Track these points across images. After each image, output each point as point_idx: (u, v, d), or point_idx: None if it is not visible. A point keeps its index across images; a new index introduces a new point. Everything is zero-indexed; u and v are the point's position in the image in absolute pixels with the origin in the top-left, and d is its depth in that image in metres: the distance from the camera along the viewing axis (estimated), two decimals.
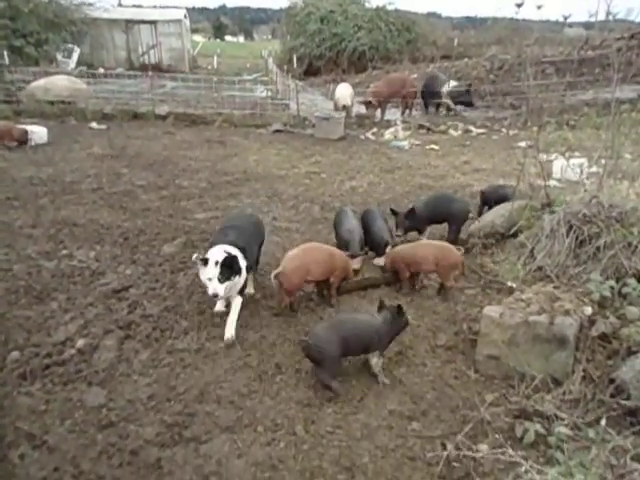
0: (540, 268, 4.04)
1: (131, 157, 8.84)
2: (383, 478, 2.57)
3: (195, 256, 3.60)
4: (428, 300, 4.26)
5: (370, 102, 12.77)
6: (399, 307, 3.35)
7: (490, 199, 5.79)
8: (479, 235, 5.02)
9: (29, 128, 9.28)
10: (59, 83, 12.27)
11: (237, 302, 3.80)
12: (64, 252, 5.02)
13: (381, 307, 3.45)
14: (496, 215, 5.16)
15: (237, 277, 3.62)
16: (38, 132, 9.40)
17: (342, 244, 4.64)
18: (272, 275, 3.86)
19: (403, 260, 4.30)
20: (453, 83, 13.41)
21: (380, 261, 4.49)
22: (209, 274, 3.49)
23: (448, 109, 13.57)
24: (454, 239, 5.03)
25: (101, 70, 15.98)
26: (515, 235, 4.73)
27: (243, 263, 3.70)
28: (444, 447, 2.75)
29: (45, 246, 5.12)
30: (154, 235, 5.53)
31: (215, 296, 3.52)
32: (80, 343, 3.55)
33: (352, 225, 4.75)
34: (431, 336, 3.77)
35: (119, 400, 3.07)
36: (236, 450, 2.73)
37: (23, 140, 8.94)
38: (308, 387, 3.23)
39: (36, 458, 2.63)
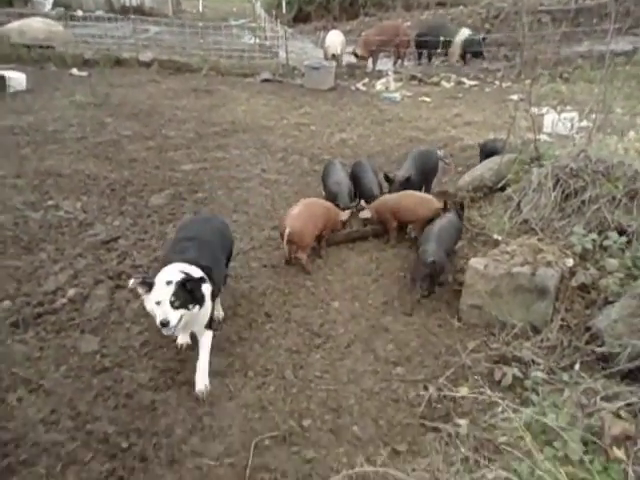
0: (526, 221, 4.10)
1: (115, 106, 8.57)
2: (368, 418, 2.71)
3: (132, 281, 2.61)
4: (415, 252, 4.32)
5: (358, 55, 12.36)
6: (461, 204, 4.33)
7: (489, 152, 5.72)
8: (467, 189, 5.04)
9: (6, 74, 8.89)
10: (35, 25, 11.62)
11: (206, 340, 2.86)
12: (50, 203, 4.96)
13: (446, 208, 4.22)
14: (485, 169, 5.16)
15: (198, 307, 2.66)
16: (16, 78, 9.00)
17: (331, 197, 4.65)
18: (284, 237, 3.81)
19: (389, 210, 4.35)
20: (467, 32, 12.86)
21: (366, 213, 4.51)
22: (158, 296, 2.53)
23: (463, 58, 13.11)
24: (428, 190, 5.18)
25: (79, 12, 15.13)
26: (503, 189, 4.77)
27: (208, 288, 2.74)
28: (426, 389, 2.89)
29: (30, 197, 5.05)
30: (141, 186, 5.46)
31: (165, 325, 2.49)
32: (71, 292, 3.59)
33: (340, 177, 4.74)
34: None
35: (112, 347, 3.14)
36: (227, 393, 2.84)
37: None
38: (297, 335, 3.33)
39: (33, 401, 2.72)
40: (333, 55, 11.94)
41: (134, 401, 2.75)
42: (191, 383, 2.87)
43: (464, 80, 11.98)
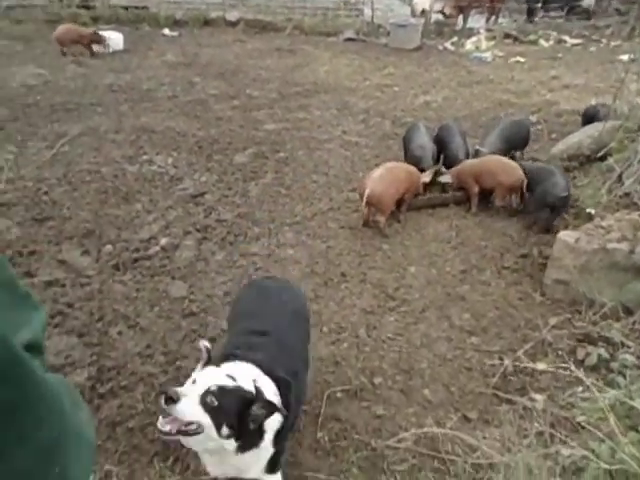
0: (627, 194, 3.77)
1: (203, 66, 8.83)
2: (439, 383, 2.72)
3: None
4: (499, 221, 4.16)
5: (447, 14, 11.63)
6: None
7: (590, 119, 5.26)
8: (562, 157, 4.70)
9: (107, 34, 9.42)
10: None
11: None
12: (145, 157, 5.29)
13: None
14: (584, 136, 4.77)
15: (258, 445, 1.60)
16: (115, 38, 9.53)
17: (413, 161, 4.53)
18: (364, 199, 3.80)
19: (471, 174, 4.19)
20: None
21: (446, 177, 4.36)
22: (192, 414, 1.42)
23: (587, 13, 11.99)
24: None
25: None
26: (603, 158, 4.39)
27: (275, 422, 1.64)
28: (502, 361, 2.83)
29: (128, 151, 5.42)
30: (226, 144, 5.66)
31: (169, 400, 1.38)
32: (163, 241, 3.87)
33: (424, 141, 4.59)
34: (498, 257, 3.73)
35: (199, 294, 3.37)
36: None
37: (96, 41, 9.02)
38: (372, 296, 3.37)
39: (131, 336, 3.02)
40: (422, 11, 11.37)
41: (218, 345, 2.95)
42: None
43: (565, 38, 10.96)
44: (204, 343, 1.65)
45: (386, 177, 3.85)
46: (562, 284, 3.27)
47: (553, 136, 5.81)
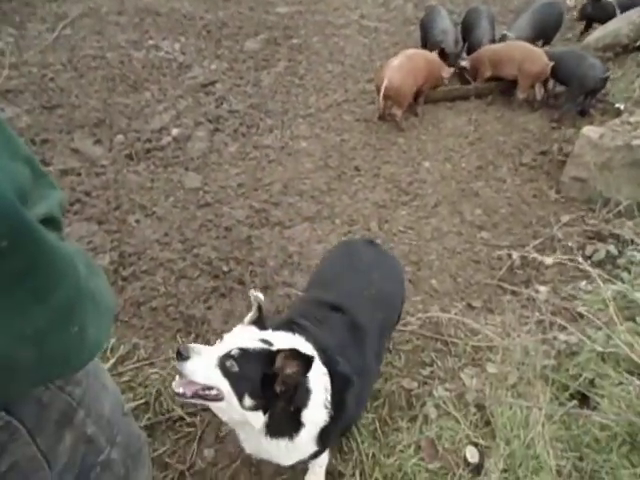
0: None
1: None
2: (447, 274, 2.81)
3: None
4: (520, 116, 3.98)
5: None
6: None
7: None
8: (596, 46, 4.36)
9: None
10: None
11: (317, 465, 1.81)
12: (150, 42, 5.01)
13: None
14: (623, 23, 4.37)
15: (292, 437, 1.36)
16: None
17: (434, 47, 4.24)
18: (381, 91, 3.61)
19: (488, 58, 3.94)
20: None
21: (465, 62, 4.10)
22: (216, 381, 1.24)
23: None
24: None
25: None
26: None
27: (320, 420, 1.40)
28: (510, 256, 2.89)
29: (132, 35, 5.12)
30: (236, 29, 5.31)
31: (181, 357, 1.22)
32: (175, 132, 3.81)
33: (446, 25, 4.25)
34: (516, 153, 3.64)
35: (213, 185, 3.39)
36: (315, 237, 3.04)
37: None
38: (385, 190, 3.36)
39: (149, 224, 3.10)
40: None
41: (232, 234, 3.04)
42: (283, 225, 3.09)
43: None
44: (256, 294, 1.38)
45: (405, 66, 3.63)
46: (579, 182, 3.22)
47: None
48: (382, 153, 3.66)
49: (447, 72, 4.13)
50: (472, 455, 2.02)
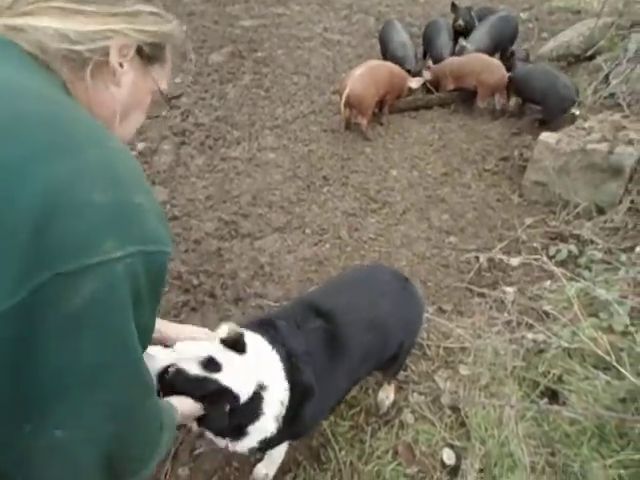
0: (612, 95, 3.73)
1: None
2: (417, 279, 2.85)
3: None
4: (482, 124, 4.11)
5: None
6: None
7: None
8: (550, 56, 4.55)
9: None
10: None
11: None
12: None
13: None
14: (575, 33, 4.59)
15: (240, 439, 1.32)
16: None
17: (394, 61, 4.33)
18: (343, 99, 3.65)
19: (449, 71, 4.07)
20: None
21: (427, 75, 4.21)
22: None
23: None
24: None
25: None
26: (592, 58, 4.27)
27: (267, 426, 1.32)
28: (477, 259, 2.96)
29: None
30: (201, 42, 5.30)
31: None
32: (140, 146, 3.75)
33: (404, 38, 4.37)
34: (480, 160, 3.74)
35: (180, 198, 3.35)
36: (286, 247, 3.04)
37: None
38: (354, 199, 3.40)
39: None
40: None
41: (202, 247, 3.01)
42: (253, 236, 3.08)
43: None
44: (231, 326, 1.28)
45: (366, 76, 3.70)
46: (540, 185, 3.34)
47: (544, 35, 5.58)
48: (350, 162, 3.70)
49: (416, 82, 4.22)
50: (449, 457, 2.03)
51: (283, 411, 1.34)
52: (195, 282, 2.78)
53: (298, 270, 2.89)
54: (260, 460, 1.93)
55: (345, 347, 1.54)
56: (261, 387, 1.28)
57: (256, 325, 1.44)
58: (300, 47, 5.31)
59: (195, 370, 1.19)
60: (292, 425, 1.39)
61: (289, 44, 5.36)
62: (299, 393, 1.38)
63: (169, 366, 1.18)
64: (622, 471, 1.83)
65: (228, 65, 4.92)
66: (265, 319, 1.52)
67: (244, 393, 1.22)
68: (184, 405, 1.14)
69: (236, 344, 1.28)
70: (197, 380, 1.18)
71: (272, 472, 1.94)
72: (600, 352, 2.06)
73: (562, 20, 5.90)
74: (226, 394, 1.19)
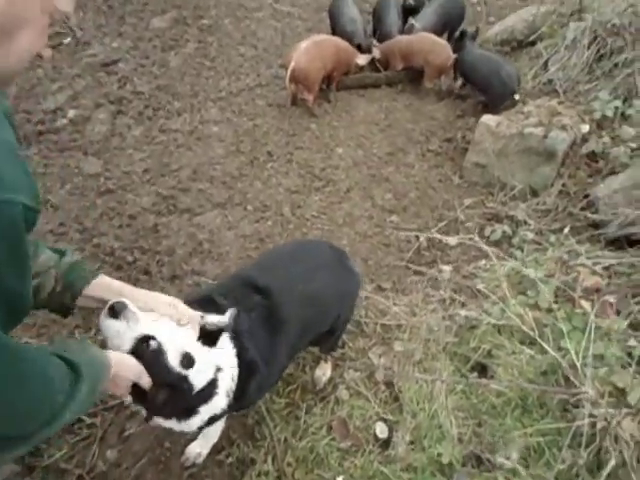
0: (550, 81, 3.85)
1: None
2: (358, 257, 2.86)
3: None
4: (428, 105, 4.14)
5: None
6: None
7: None
8: (495, 41, 4.63)
9: None
10: None
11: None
12: None
13: None
14: (518, 19, 4.68)
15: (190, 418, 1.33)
16: None
17: (345, 36, 4.25)
18: (288, 73, 3.55)
19: (398, 50, 4.07)
20: None
21: (376, 52, 4.19)
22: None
23: None
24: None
25: None
26: (534, 43, 4.38)
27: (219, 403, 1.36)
28: (417, 238, 3.01)
29: None
30: (141, 6, 4.97)
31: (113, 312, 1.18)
32: (72, 113, 3.51)
33: (355, 14, 4.30)
34: (424, 141, 3.78)
35: (115, 171, 3.18)
36: (227, 224, 2.96)
37: None
38: (298, 176, 3.35)
39: (42, 213, 2.83)
40: None
41: (137, 222, 2.88)
42: (192, 212, 2.98)
43: None
44: (232, 313, 1.34)
45: (312, 50, 3.62)
46: (480, 167, 3.42)
47: (491, 19, 5.66)
48: (295, 139, 3.64)
49: (363, 59, 4.17)
50: (382, 431, 2.08)
51: (233, 387, 1.38)
52: (129, 259, 2.66)
53: (238, 247, 2.83)
54: (193, 440, 1.90)
55: (284, 323, 1.55)
56: (218, 370, 1.32)
57: (196, 303, 1.42)
58: (248, 17, 5.11)
59: (174, 360, 1.21)
60: (237, 400, 1.42)
61: (237, 13, 5.15)
62: (245, 370, 1.41)
63: (151, 337, 1.18)
64: (541, 439, 1.94)
65: (171, 31, 4.67)
66: (205, 296, 1.50)
67: (202, 383, 1.28)
68: (125, 365, 1.13)
69: (211, 338, 1.32)
70: (170, 370, 1.21)
71: (206, 451, 1.92)
72: (525, 328, 2.15)
73: (509, 5, 5.99)
74: (187, 387, 1.24)
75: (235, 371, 1.38)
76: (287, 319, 1.54)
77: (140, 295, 1.24)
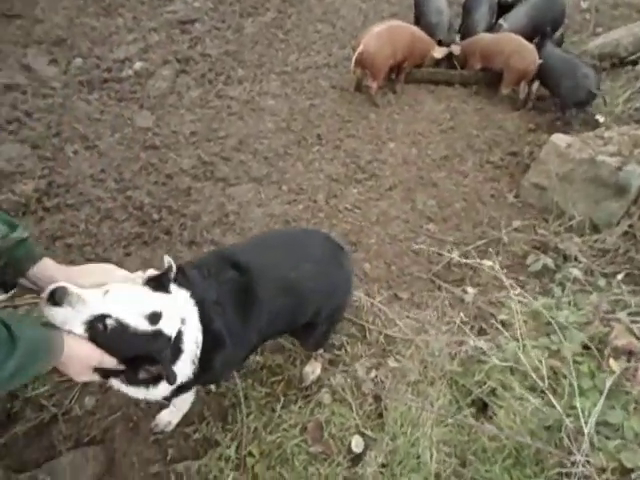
0: None
1: None
2: (381, 260, 2.72)
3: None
4: (500, 112, 3.83)
5: None
6: None
7: None
8: (593, 54, 4.18)
9: None
10: None
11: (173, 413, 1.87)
12: None
13: None
14: (626, 33, 4.19)
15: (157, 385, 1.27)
16: None
17: (427, 28, 4.00)
18: (354, 57, 3.41)
19: (479, 50, 3.77)
20: None
21: (457, 49, 3.90)
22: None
23: None
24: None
25: None
26: (635, 63, 3.91)
27: (184, 367, 1.31)
28: (450, 252, 2.81)
29: None
30: None
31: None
32: (138, 66, 3.59)
33: (442, 5, 4.02)
34: (486, 150, 3.51)
35: (164, 128, 3.22)
36: (258, 200, 2.92)
37: None
38: (342, 165, 3.23)
39: (87, 157, 2.94)
40: None
41: (172, 182, 2.90)
42: (227, 182, 2.96)
43: None
44: (169, 259, 1.30)
45: (384, 35, 3.42)
46: (539, 189, 3.12)
47: (598, 30, 5.13)
48: (349, 125, 3.50)
49: (439, 52, 3.93)
50: (357, 445, 1.97)
51: (198, 353, 1.33)
52: (155, 217, 2.69)
53: (263, 225, 2.78)
54: (164, 407, 1.90)
55: (256, 302, 1.50)
56: (182, 321, 1.28)
57: (177, 270, 1.38)
58: None
59: (143, 325, 1.16)
60: (203, 372, 1.38)
61: None
62: (210, 340, 1.36)
63: (106, 316, 1.12)
64: None
65: None
66: (178, 266, 1.43)
67: (173, 331, 1.24)
68: (82, 355, 1.09)
69: (161, 284, 1.28)
70: (142, 336, 1.16)
71: (176, 420, 1.92)
72: (534, 376, 1.94)
73: (624, 16, 5.40)
74: (163, 340, 1.20)
75: (199, 336, 1.33)
76: (260, 299, 1.49)
77: (81, 272, 1.21)
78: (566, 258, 2.76)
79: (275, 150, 3.22)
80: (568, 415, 1.83)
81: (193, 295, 1.35)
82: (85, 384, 2.01)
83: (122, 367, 1.19)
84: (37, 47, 3.51)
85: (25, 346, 0.92)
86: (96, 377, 1.20)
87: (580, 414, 1.77)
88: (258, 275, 1.50)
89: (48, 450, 1.79)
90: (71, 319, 1.10)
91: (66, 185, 2.74)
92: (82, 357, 1.10)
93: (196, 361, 1.34)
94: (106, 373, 1.20)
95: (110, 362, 1.15)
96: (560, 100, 3.60)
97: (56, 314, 1.09)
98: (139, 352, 1.17)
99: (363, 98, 3.75)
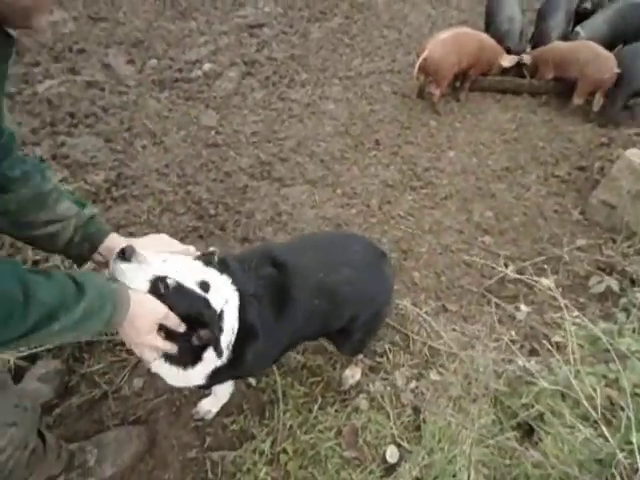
0: None
1: None
2: (432, 270, 2.67)
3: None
4: (570, 124, 3.64)
5: None
6: None
7: None
8: None
9: None
10: None
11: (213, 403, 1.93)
12: None
13: None
14: None
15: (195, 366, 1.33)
16: None
17: (497, 35, 3.88)
18: (418, 62, 3.39)
19: (552, 58, 3.59)
20: None
21: (527, 58, 3.74)
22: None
23: None
24: None
25: None
26: None
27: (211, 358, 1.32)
28: (506, 267, 2.70)
29: None
30: None
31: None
32: (207, 67, 3.75)
33: (514, 12, 3.87)
34: (552, 163, 3.35)
35: (227, 127, 3.34)
36: (311, 202, 2.95)
37: None
38: (398, 171, 3.20)
39: (154, 152, 3.10)
40: None
41: (230, 180, 3.00)
42: (283, 182, 3.01)
43: None
44: (214, 249, 1.38)
45: (450, 42, 3.35)
46: (607, 207, 2.94)
47: None
48: (408, 132, 3.47)
49: (508, 61, 3.80)
50: (392, 455, 1.94)
51: (233, 340, 1.35)
52: (212, 212, 2.79)
53: (315, 227, 2.80)
54: (206, 396, 1.97)
55: (291, 302, 1.50)
56: (225, 302, 1.31)
57: (218, 261, 1.42)
58: None
59: (197, 290, 1.24)
60: (235, 364, 1.41)
61: None
62: (244, 331, 1.38)
63: (165, 277, 1.20)
64: None
65: (322, 4, 4.72)
66: (220, 257, 1.48)
67: (219, 305, 1.29)
68: (149, 306, 1.13)
69: (210, 262, 1.35)
70: (197, 296, 1.23)
71: (215, 409, 1.97)
72: (587, 404, 1.82)
73: None
74: (212, 311, 1.25)
75: (236, 323, 1.36)
76: (295, 299, 1.49)
77: (145, 242, 1.28)
78: (633, 282, 2.58)
79: (332, 153, 3.25)
80: (622, 450, 1.70)
81: (233, 283, 1.39)
82: (135, 366, 2.12)
83: (182, 329, 1.23)
84: (117, 47, 3.76)
85: (93, 293, 0.95)
86: (158, 341, 1.21)
87: (636, 450, 1.64)
88: (294, 275, 1.50)
89: (97, 424, 1.89)
90: (138, 275, 1.17)
91: (133, 177, 2.90)
92: (149, 310, 1.13)
93: (231, 347, 1.36)
94: (168, 333, 1.23)
95: (173, 320, 1.20)
96: (616, 88, 3.36)
97: (125, 269, 1.16)
98: (195, 311, 1.23)
99: (425, 105, 3.70)
